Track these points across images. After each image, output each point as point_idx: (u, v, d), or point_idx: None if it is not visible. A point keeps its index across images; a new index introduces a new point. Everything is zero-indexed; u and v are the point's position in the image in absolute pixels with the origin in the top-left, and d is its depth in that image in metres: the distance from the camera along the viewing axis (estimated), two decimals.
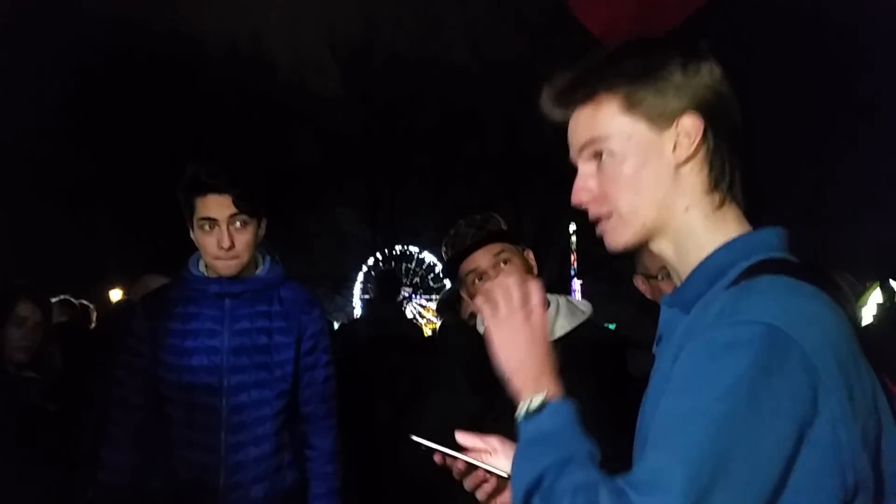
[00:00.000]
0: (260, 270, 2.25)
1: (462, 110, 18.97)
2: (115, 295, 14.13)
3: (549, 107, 1.07)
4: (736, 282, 0.95)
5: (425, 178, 20.03)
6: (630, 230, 1.04)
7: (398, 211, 21.32)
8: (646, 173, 1.01)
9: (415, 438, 1.29)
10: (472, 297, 1.91)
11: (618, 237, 1.05)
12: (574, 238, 19.18)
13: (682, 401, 0.86)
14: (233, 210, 2.09)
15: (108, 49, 17.27)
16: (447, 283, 7.22)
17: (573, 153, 1.08)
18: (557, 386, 1.05)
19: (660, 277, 2.12)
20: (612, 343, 1.97)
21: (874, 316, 2.36)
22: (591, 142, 1.04)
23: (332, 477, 2.24)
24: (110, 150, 17.20)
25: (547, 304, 1.88)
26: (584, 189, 1.06)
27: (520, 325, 1.09)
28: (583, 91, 1.04)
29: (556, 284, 17.52)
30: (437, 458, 1.28)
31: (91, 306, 5.07)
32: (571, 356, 1.77)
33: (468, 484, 1.26)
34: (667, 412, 0.88)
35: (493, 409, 1.75)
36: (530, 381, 1.05)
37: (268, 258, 2.29)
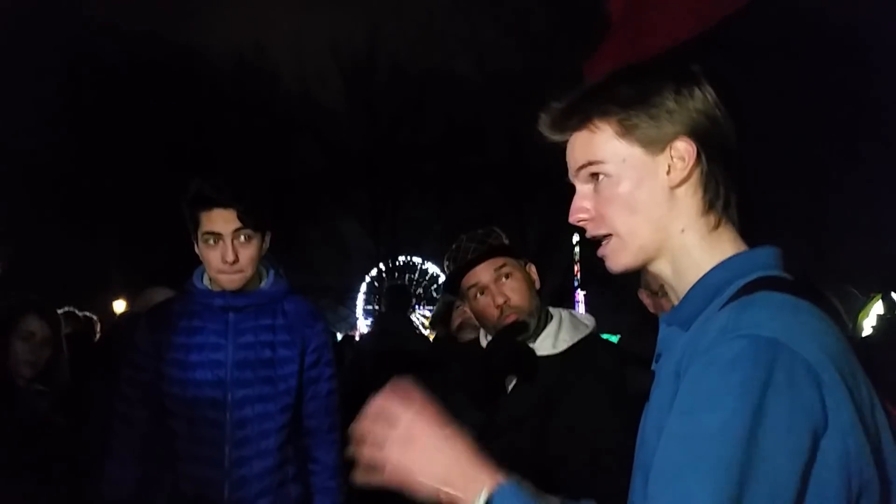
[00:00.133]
0: (264, 284, 2.26)
1: (465, 122, 19.06)
2: (119, 306, 14.17)
3: (546, 131, 1.11)
4: (733, 299, 0.96)
5: (428, 190, 20.09)
6: (629, 252, 1.06)
7: (401, 222, 21.37)
8: (641, 195, 1.04)
9: None
10: (474, 311, 1.92)
11: (618, 259, 1.07)
12: (577, 249, 19.18)
13: (696, 422, 0.86)
14: (237, 224, 2.10)
15: (114, 62, 17.38)
16: None
17: (571, 174, 1.10)
18: (491, 471, 1.00)
19: (660, 294, 2.13)
20: (614, 357, 1.97)
21: (873, 327, 2.37)
22: (588, 164, 1.07)
23: (335, 491, 2.24)
24: (114, 161, 17.27)
25: (549, 317, 1.90)
26: (581, 209, 1.08)
27: (420, 440, 1.01)
28: (578, 117, 1.07)
29: (559, 295, 17.52)
30: None
31: (95, 318, 5.09)
32: (574, 370, 1.79)
33: None
34: (680, 434, 0.87)
35: (493, 423, 1.75)
36: (464, 485, 0.99)
37: (272, 271, 2.29)
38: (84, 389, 2.81)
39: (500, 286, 1.83)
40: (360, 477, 1.04)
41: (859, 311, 2.43)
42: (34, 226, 15.48)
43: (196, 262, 2.26)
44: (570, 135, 1.09)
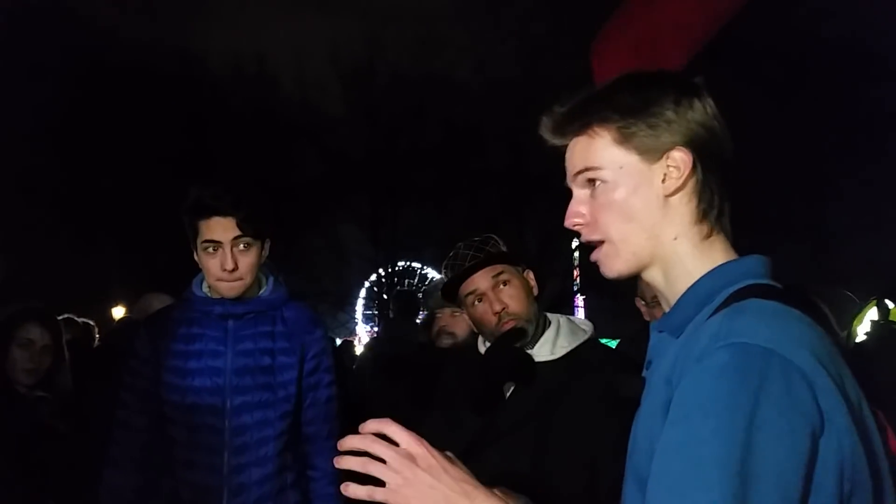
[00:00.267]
0: (263, 291, 2.27)
1: (464, 128, 19.08)
2: (118, 312, 14.17)
3: (547, 135, 1.12)
4: (723, 306, 0.97)
5: (428, 196, 20.09)
6: (622, 259, 1.07)
7: (401, 228, 21.36)
8: (635, 202, 1.05)
9: None
10: (472, 318, 1.92)
11: (611, 265, 1.08)
12: (577, 254, 19.19)
13: (691, 430, 0.86)
14: (236, 232, 2.11)
15: (114, 68, 17.41)
16: None
17: (568, 178, 1.12)
18: (487, 493, 1.01)
19: (652, 304, 2.14)
20: (612, 362, 1.98)
21: (866, 333, 2.37)
22: (586, 170, 1.08)
23: (334, 498, 2.24)
24: (114, 167, 17.28)
25: (547, 323, 1.90)
26: (577, 214, 1.10)
27: (413, 481, 1.01)
28: (579, 122, 1.08)
29: (559, 300, 17.52)
30: None
31: (93, 324, 5.09)
32: (572, 375, 1.80)
33: None
34: (676, 443, 0.87)
35: (492, 429, 1.76)
36: None
37: (271, 278, 2.30)
38: (83, 396, 2.81)
39: (498, 293, 1.84)
40: None
41: (854, 317, 2.43)
42: (33, 233, 15.48)
43: (195, 269, 2.26)
44: (570, 139, 1.10)
